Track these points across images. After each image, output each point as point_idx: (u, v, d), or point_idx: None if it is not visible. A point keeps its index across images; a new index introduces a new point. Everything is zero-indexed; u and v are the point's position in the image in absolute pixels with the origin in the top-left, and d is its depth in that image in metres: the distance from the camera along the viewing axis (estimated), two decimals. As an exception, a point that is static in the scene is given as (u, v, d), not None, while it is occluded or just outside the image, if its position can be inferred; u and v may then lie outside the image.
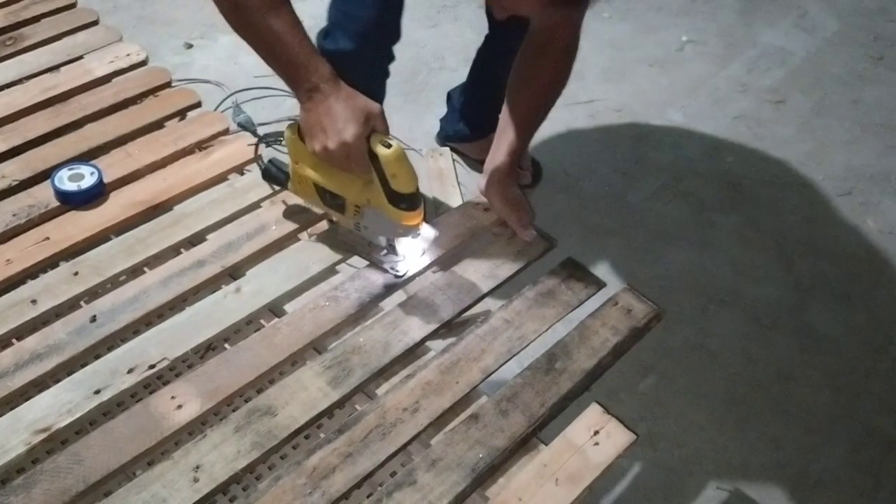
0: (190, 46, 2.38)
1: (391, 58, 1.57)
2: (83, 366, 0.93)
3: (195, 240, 1.10)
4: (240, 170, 1.22)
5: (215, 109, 1.47)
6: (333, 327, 0.98)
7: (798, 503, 1.41)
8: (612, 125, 2.19)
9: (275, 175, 1.10)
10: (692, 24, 2.59)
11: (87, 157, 1.21)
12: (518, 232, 1.09)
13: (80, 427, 0.89)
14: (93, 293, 1.03)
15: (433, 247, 1.06)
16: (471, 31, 2.40)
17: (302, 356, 0.96)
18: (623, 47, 2.47)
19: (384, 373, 0.94)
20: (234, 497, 0.89)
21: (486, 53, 1.80)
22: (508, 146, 1.10)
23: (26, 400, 0.89)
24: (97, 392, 0.89)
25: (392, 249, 1.03)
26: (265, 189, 1.16)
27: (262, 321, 1.01)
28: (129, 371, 0.91)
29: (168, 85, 1.37)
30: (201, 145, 1.25)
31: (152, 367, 0.92)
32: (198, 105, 1.34)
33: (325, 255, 1.07)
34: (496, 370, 0.94)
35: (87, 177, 1.13)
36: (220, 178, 1.20)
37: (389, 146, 0.92)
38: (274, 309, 1.03)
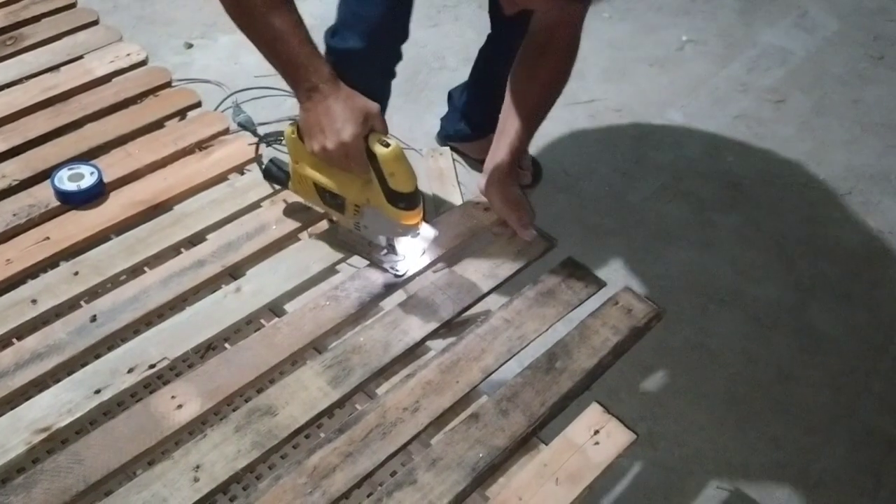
0: (190, 46, 2.38)
1: (399, 57, 1.57)
2: (83, 365, 0.93)
3: (195, 239, 1.10)
4: (240, 169, 1.22)
5: (215, 109, 1.46)
6: (334, 327, 0.98)
7: (798, 503, 1.41)
8: (613, 125, 2.19)
9: (275, 174, 1.10)
10: (692, 24, 2.59)
11: (87, 156, 1.21)
12: (518, 232, 1.09)
13: (81, 427, 0.89)
14: (93, 293, 1.03)
15: (433, 246, 1.06)
16: (471, 30, 2.40)
17: (302, 356, 0.96)
18: (623, 47, 2.47)
19: (384, 372, 0.94)
20: (235, 496, 0.89)
21: (487, 53, 1.80)
22: (508, 146, 1.10)
23: (27, 399, 0.89)
24: (97, 392, 0.89)
25: (392, 249, 1.04)
26: (265, 189, 1.16)
27: (262, 321, 1.01)
28: (130, 371, 0.91)
29: (168, 85, 1.37)
30: (201, 145, 1.25)
31: (152, 366, 0.92)
32: (198, 105, 1.34)
33: (325, 255, 1.07)
34: (496, 370, 0.94)
35: (86, 177, 1.13)
36: (221, 178, 1.20)
37: (388, 145, 0.92)
38: (274, 308, 1.03)
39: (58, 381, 0.91)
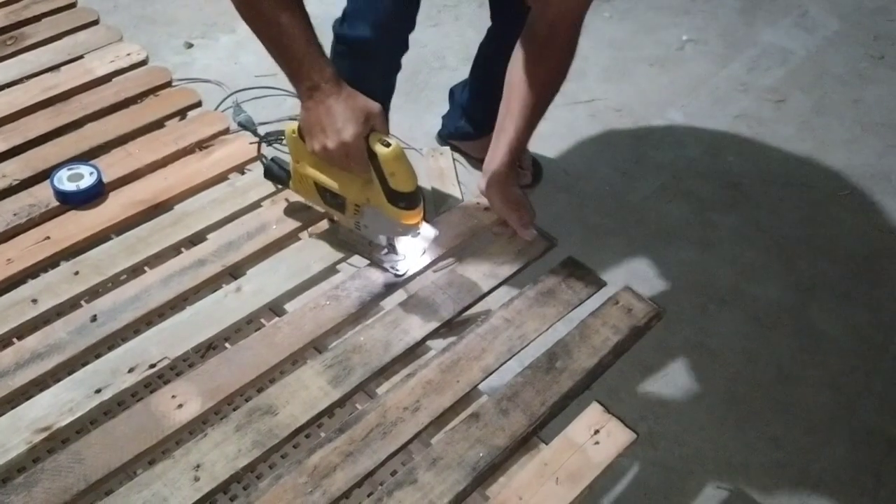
0: (190, 46, 2.38)
1: (405, 48, 1.58)
2: (84, 365, 0.93)
3: (196, 239, 1.10)
4: (240, 169, 1.22)
5: (216, 109, 1.46)
6: (334, 326, 0.98)
7: (799, 503, 1.41)
8: (613, 124, 2.19)
9: (276, 174, 1.10)
10: (692, 24, 2.59)
11: (87, 156, 1.21)
12: (518, 231, 1.09)
13: (81, 426, 0.89)
14: (93, 292, 1.03)
15: (433, 246, 1.06)
16: (472, 30, 2.40)
17: (302, 355, 0.96)
18: (623, 47, 2.47)
19: (385, 372, 0.94)
20: (235, 496, 0.89)
21: (488, 50, 1.80)
22: (508, 145, 1.10)
23: (27, 399, 0.89)
24: (98, 391, 0.89)
25: (392, 248, 1.04)
26: (266, 188, 1.16)
27: (262, 320, 1.01)
28: (130, 370, 0.91)
29: (168, 84, 1.37)
30: (202, 145, 1.25)
31: (153, 366, 0.92)
32: (198, 104, 1.34)
33: (325, 255, 1.07)
34: (497, 369, 0.94)
35: (86, 177, 1.13)
36: (221, 178, 1.20)
37: (388, 145, 0.92)
38: (274, 308, 1.03)
39: (58, 380, 0.91)
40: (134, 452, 0.84)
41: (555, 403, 0.91)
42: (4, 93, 1.32)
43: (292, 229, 1.11)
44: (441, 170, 1.96)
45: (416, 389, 0.91)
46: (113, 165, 1.19)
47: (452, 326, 1.01)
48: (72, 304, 1.01)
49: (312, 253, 1.07)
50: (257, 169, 1.17)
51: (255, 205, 1.15)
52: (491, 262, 1.06)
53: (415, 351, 0.97)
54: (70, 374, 0.92)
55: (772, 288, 1.77)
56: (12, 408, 0.88)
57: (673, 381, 1.58)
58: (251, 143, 1.20)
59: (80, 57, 1.40)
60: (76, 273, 1.04)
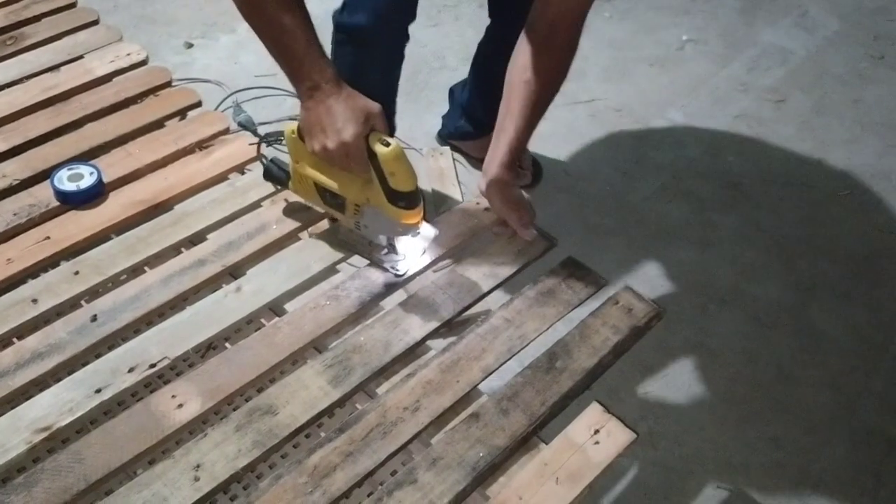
0: (190, 46, 2.38)
1: (406, 37, 1.58)
2: (84, 365, 0.93)
3: (196, 239, 1.10)
4: (240, 169, 1.22)
5: (216, 109, 1.46)
6: (334, 326, 0.98)
7: (799, 502, 1.41)
8: (613, 124, 2.19)
9: (276, 174, 1.10)
10: (692, 24, 2.59)
11: (87, 156, 1.21)
12: (518, 231, 1.09)
13: (81, 426, 0.89)
14: (93, 292, 1.03)
15: (433, 246, 1.06)
16: (472, 30, 2.40)
17: (302, 355, 0.96)
18: (623, 47, 2.47)
19: (385, 372, 0.94)
20: (235, 496, 0.89)
21: (487, 49, 1.80)
22: (508, 145, 1.10)
23: (27, 399, 0.89)
24: (98, 391, 0.89)
25: (392, 248, 1.04)
26: (266, 188, 1.16)
27: (262, 320, 1.01)
28: (130, 370, 0.91)
29: (168, 84, 1.37)
30: (202, 145, 1.25)
31: (153, 366, 0.92)
32: (198, 104, 1.34)
33: (325, 255, 1.07)
34: (497, 369, 0.94)
35: (86, 177, 1.14)
36: (221, 178, 1.20)
37: (388, 145, 0.92)
38: (274, 308, 1.03)
39: (58, 380, 0.91)
40: (134, 452, 0.84)
41: (555, 403, 0.91)
42: (4, 93, 1.32)
43: (292, 229, 1.11)
44: (441, 170, 1.96)
45: (416, 389, 0.91)
46: (113, 165, 1.19)
47: (452, 326, 1.01)
48: (72, 304, 1.01)
49: (312, 253, 1.07)
50: (257, 169, 1.17)
51: (255, 205, 1.15)
52: (491, 262, 1.06)
53: (415, 351, 0.97)
54: (70, 373, 0.92)
55: (772, 288, 1.77)
56: (12, 408, 0.88)
57: (673, 381, 1.58)
58: (251, 144, 1.20)
59: (80, 57, 1.40)
60: (76, 273, 1.04)
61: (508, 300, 1.02)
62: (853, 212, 1.97)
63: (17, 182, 1.16)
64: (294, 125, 1.01)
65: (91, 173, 1.14)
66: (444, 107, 2.03)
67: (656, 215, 1.93)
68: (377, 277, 1.03)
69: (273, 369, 0.93)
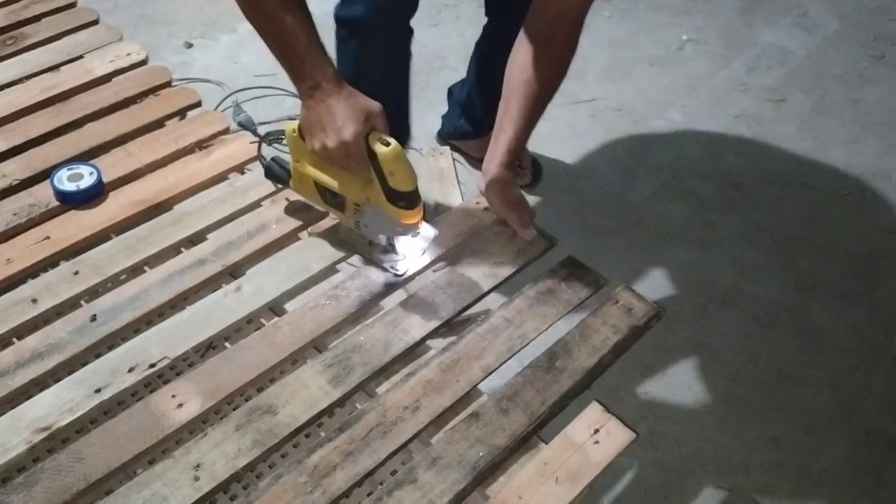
0: (190, 46, 2.38)
1: (409, 31, 1.57)
2: (84, 364, 0.93)
3: (196, 239, 1.10)
4: (240, 169, 1.22)
5: (215, 109, 1.46)
6: (334, 326, 0.98)
7: (799, 502, 1.41)
8: (613, 124, 2.19)
9: (277, 173, 1.10)
10: (692, 24, 2.59)
11: (87, 156, 1.21)
12: (518, 231, 1.09)
13: (81, 426, 0.89)
14: (93, 292, 1.03)
15: (433, 246, 1.06)
16: (472, 30, 2.38)
17: (302, 355, 0.96)
18: (623, 46, 2.47)
19: (385, 371, 0.94)
20: (235, 495, 0.89)
21: (485, 48, 1.80)
22: (507, 144, 1.10)
23: (27, 399, 0.89)
24: (98, 391, 0.89)
25: (392, 248, 1.04)
26: (265, 188, 1.16)
27: (262, 320, 1.01)
28: (130, 370, 0.91)
29: (168, 84, 1.37)
30: (202, 144, 1.25)
31: (153, 365, 0.92)
32: (198, 104, 1.34)
33: (325, 254, 1.07)
34: (497, 368, 0.94)
35: (86, 177, 1.14)
36: (221, 178, 1.20)
37: (388, 144, 0.92)
38: (274, 308, 1.03)
39: (58, 380, 0.91)
40: (134, 452, 0.84)
41: (555, 403, 0.91)
42: (4, 93, 1.32)
43: (292, 229, 1.11)
44: (441, 170, 1.96)
45: (416, 389, 0.91)
46: (113, 165, 1.19)
47: (452, 326, 1.01)
48: (72, 304, 1.01)
49: (312, 253, 1.07)
50: (257, 169, 1.17)
51: (255, 205, 1.15)
52: (491, 262, 1.06)
53: (415, 350, 0.97)
54: (70, 373, 0.92)
55: (772, 288, 1.77)
56: (12, 407, 0.88)
57: (673, 381, 1.58)
58: (251, 143, 1.20)
59: (80, 57, 1.40)
60: (76, 273, 1.04)
61: (508, 300, 1.02)
62: (853, 212, 1.97)
63: (17, 182, 1.16)
64: (295, 124, 1.01)
65: (91, 173, 1.14)
66: (444, 106, 2.03)
67: (656, 215, 1.93)
68: (377, 277, 1.03)
69: (273, 369, 0.93)
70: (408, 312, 0.99)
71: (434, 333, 0.98)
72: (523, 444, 0.88)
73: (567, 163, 2.05)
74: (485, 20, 1.76)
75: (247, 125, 1.17)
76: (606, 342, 0.97)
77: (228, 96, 1.95)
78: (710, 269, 1.80)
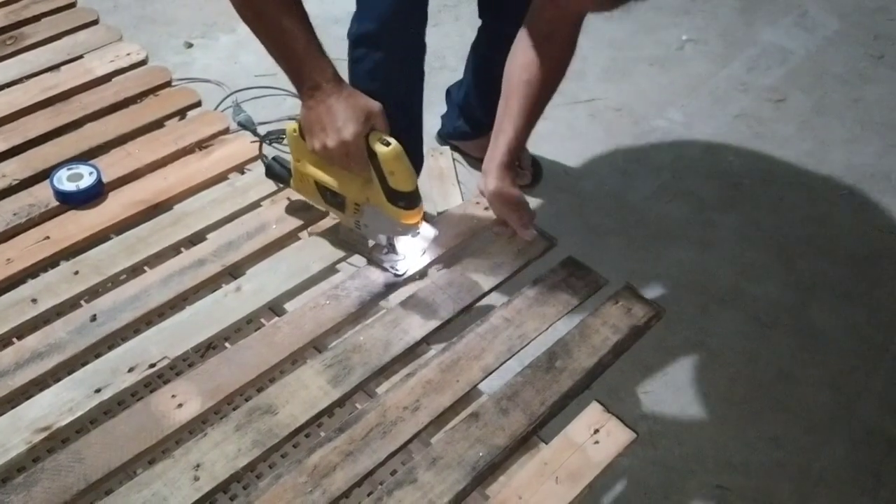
0: (190, 46, 2.38)
1: (422, 47, 1.55)
2: (84, 364, 0.93)
3: (195, 239, 1.10)
4: (240, 169, 1.22)
5: (215, 109, 1.47)
6: (334, 326, 0.98)
7: (799, 502, 1.41)
8: (613, 124, 2.19)
9: (278, 173, 1.10)
10: (692, 23, 2.59)
11: (87, 156, 1.21)
12: (518, 231, 1.09)
13: (81, 426, 0.89)
14: (93, 292, 1.03)
15: (433, 246, 1.06)
16: (471, 30, 2.38)
17: (302, 355, 0.96)
18: (623, 46, 2.47)
19: (385, 371, 0.94)
20: (235, 495, 0.89)
21: (483, 50, 1.80)
22: (507, 144, 1.10)
23: (27, 399, 0.89)
24: (98, 391, 0.89)
25: (392, 248, 1.04)
26: (265, 188, 1.16)
27: (262, 320, 1.01)
28: (130, 370, 0.91)
29: (168, 84, 1.37)
30: (201, 144, 1.25)
31: (153, 365, 0.92)
32: (198, 104, 1.34)
33: (325, 254, 1.07)
34: (497, 368, 0.94)
35: (85, 177, 1.14)
36: (221, 178, 1.20)
37: (388, 144, 0.92)
38: (274, 308, 1.03)
39: (58, 380, 0.91)
40: (134, 452, 0.84)
41: (555, 403, 0.90)
42: (4, 93, 1.32)
43: (292, 229, 1.11)
44: (441, 170, 1.96)
45: (416, 389, 0.91)
46: (113, 165, 1.19)
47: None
48: (72, 304, 1.01)
49: (312, 252, 1.07)
50: (257, 169, 1.17)
51: (255, 204, 1.15)
52: (491, 262, 1.06)
53: (414, 350, 0.97)
54: (70, 373, 0.92)
55: (772, 288, 1.77)
56: (12, 407, 0.88)
57: (673, 381, 1.58)
58: (252, 142, 1.20)
59: (80, 57, 1.40)
60: (76, 273, 1.04)
61: (508, 300, 1.02)
62: (853, 212, 1.97)
63: (16, 182, 1.17)
64: (296, 123, 1.01)
65: (91, 173, 1.14)
66: (444, 107, 2.03)
67: (656, 215, 1.93)
68: (377, 277, 1.03)
69: (273, 369, 0.93)
70: (408, 312, 0.99)
71: (434, 333, 0.98)
72: (523, 444, 0.88)
73: (567, 163, 2.05)
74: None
75: (247, 125, 1.17)
76: (606, 342, 0.97)
77: (228, 96, 1.95)
78: (710, 269, 1.80)
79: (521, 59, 1.11)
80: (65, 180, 1.13)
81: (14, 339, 0.96)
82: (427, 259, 1.06)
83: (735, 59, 2.46)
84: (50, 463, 0.83)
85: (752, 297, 1.75)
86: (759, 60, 2.46)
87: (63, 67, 1.37)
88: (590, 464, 0.86)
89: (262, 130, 1.15)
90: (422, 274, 1.05)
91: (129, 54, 1.40)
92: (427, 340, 0.98)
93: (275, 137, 1.13)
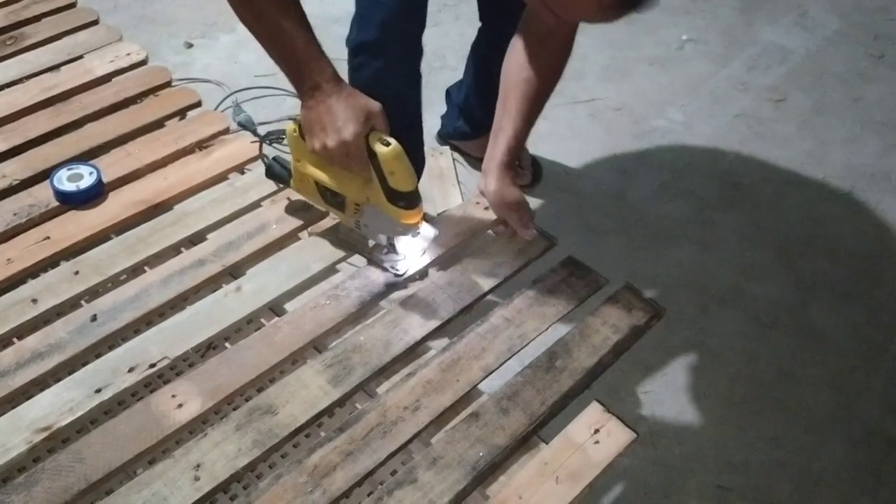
0: (190, 46, 2.38)
1: (419, 52, 1.54)
2: (84, 364, 0.93)
3: (196, 239, 1.10)
4: (240, 169, 1.22)
5: (215, 109, 1.47)
6: (334, 326, 0.98)
7: (799, 502, 1.41)
8: (613, 124, 2.19)
9: (278, 173, 1.10)
10: (692, 23, 2.59)
11: (87, 156, 1.21)
12: (518, 231, 1.09)
13: (82, 426, 0.89)
14: (93, 292, 1.03)
15: (433, 245, 1.06)
16: (471, 30, 2.38)
17: (302, 355, 0.96)
18: (623, 46, 2.47)
19: (385, 371, 0.94)
20: (235, 495, 0.89)
21: (484, 50, 1.80)
22: (506, 144, 1.10)
23: (27, 399, 0.89)
24: (98, 391, 0.89)
25: (392, 248, 1.04)
26: (265, 188, 1.16)
27: (262, 320, 1.01)
28: (130, 370, 0.91)
29: (168, 84, 1.37)
30: (201, 144, 1.25)
31: (153, 365, 0.92)
32: (198, 104, 1.34)
33: (325, 254, 1.07)
34: (497, 368, 0.94)
35: (85, 177, 1.14)
36: (221, 178, 1.20)
37: (388, 144, 0.92)
38: (274, 308, 1.03)
39: (59, 380, 0.91)
40: (134, 452, 0.84)
41: (555, 403, 0.91)
42: (4, 93, 1.32)
43: (292, 229, 1.11)
44: (441, 170, 1.96)
45: (416, 389, 0.91)
46: (113, 165, 1.19)
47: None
48: (72, 304, 1.01)
49: (312, 252, 1.07)
50: (257, 169, 1.17)
51: (255, 204, 1.15)
52: (491, 262, 1.06)
53: (415, 350, 0.97)
54: (70, 373, 0.92)
55: (772, 288, 1.77)
56: (12, 407, 0.88)
57: (673, 381, 1.58)
58: (252, 143, 1.20)
59: (80, 57, 1.40)
60: (76, 273, 1.04)
61: (508, 299, 1.02)
62: (853, 212, 1.97)
63: (17, 182, 1.17)
64: (296, 123, 1.01)
65: (91, 173, 1.14)
66: (444, 107, 2.03)
67: (656, 215, 1.93)
68: (377, 277, 1.03)
69: (273, 369, 0.93)
70: (408, 312, 0.99)
71: (434, 333, 0.98)
72: (523, 443, 0.88)
73: (567, 163, 2.05)
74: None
75: (247, 125, 1.17)
76: (606, 342, 0.97)
77: (228, 96, 1.96)
78: (710, 269, 1.80)
79: (519, 58, 1.11)
80: (65, 180, 1.13)
81: (14, 339, 0.97)
82: (427, 259, 1.06)
83: (735, 58, 2.46)
84: (50, 463, 0.83)
85: (752, 297, 1.75)
86: (759, 60, 2.46)
87: (63, 67, 1.37)
88: (590, 464, 0.86)
89: (262, 130, 1.15)
90: (422, 274, 1.05)
91: (129, 54, 1.40)
92: (427, 340, 0.98)
93: (275, 137, 1.13)
